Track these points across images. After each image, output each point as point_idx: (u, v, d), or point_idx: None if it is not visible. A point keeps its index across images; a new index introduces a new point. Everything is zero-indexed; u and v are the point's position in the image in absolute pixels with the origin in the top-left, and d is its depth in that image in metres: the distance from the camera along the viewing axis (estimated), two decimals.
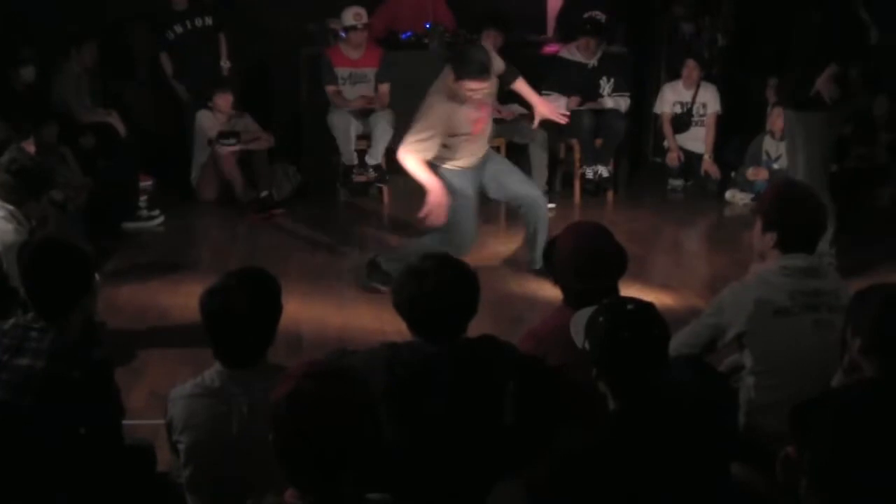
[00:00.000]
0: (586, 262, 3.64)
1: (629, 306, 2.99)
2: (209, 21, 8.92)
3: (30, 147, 6.10)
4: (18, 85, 7.84)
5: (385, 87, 8.70)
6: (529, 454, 3.07)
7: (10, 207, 4.87)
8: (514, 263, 7.00)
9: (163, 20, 8.89)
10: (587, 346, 2.99)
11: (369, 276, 6.41)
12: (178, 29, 8.86)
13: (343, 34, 8.64)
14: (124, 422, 3.61)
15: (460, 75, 6.01)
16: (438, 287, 3.27)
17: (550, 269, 3.81)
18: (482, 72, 6.03)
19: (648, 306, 2.99)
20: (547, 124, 7.39)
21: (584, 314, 3.13)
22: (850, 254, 6.54)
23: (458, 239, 6.08)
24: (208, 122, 8.57)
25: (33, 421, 3.24)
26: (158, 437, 3.48)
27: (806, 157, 6.45)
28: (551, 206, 8.53)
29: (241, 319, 3.07)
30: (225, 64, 8.99)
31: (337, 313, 6.05)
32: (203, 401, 3.08)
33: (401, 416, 3.17)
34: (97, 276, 4.09)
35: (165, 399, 3.21)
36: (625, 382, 2.91)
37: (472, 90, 6.03)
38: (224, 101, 8.59)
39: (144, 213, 7.94)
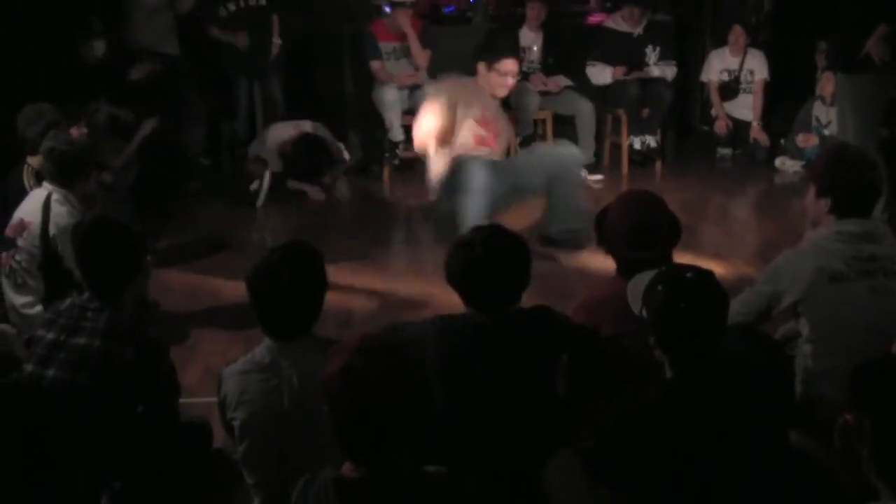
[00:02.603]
0: (639, 231, 3.61)
1: (688, 275, 2.96)
2: (263, 1, 8.90)
3: (81, 130, 6.14)
4: (91, 59, 7.86)
5: (425, 52, 8.64)
6: (584, 425, 3.06)
7: (63, 191, 4.92)
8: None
9: None
10: (644, 313, 2.97)
11: None
12: (231, 7, 8.84)
13: (388, 9, 8.62)
14: (180, 400, 3.64)
15: (494, 58, 6.09)
16: (489, 258, 3.26)
17: (602, 239, 3.78)
18: (511, 50, 6.11)
19: (708, 275, 2.97)
20: (593, 95, 7.37)
21: (642, 279, 3.10)
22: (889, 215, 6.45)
23: None
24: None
25: (91, 399, 3.28)
26: (213, 415, 3.50)
27: (857, 121, 6.35)
28: (599, 177, 8.51)
29: (285, 293, 3.09)
30: (276, 41, 8.94)
31: (385, 288, 6.05)
32: (254, 376, 3.11)
33: (455, 388, 3.17)
34: (148, 256, 4.12)
35: (218, 376, 3.23)
36: (682, 351, 2.89)
37: (507, 71, 6.08)
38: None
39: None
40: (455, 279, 3.35)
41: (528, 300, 3.41)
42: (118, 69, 7.92)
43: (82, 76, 7.48)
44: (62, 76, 7.20)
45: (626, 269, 3.55)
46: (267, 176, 7.99)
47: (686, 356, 2.87)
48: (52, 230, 4.83)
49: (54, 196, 4.89)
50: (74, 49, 7.75)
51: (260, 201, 7.92)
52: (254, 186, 7.97)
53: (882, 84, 6.37)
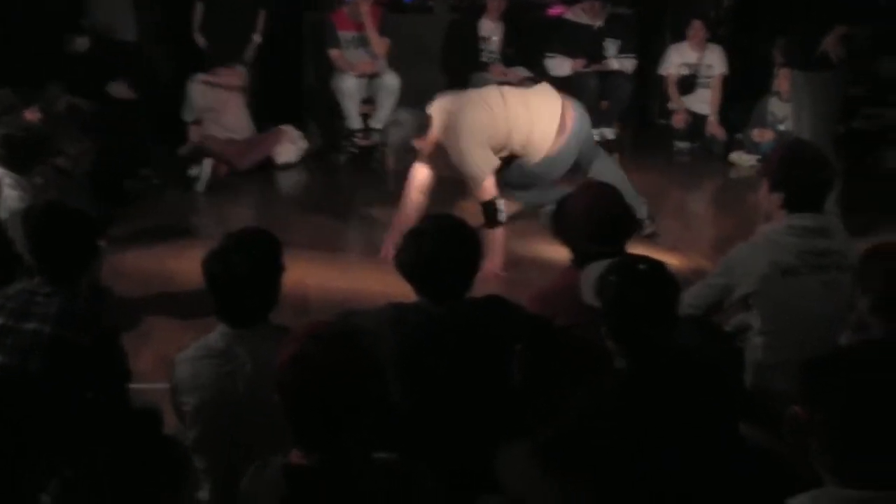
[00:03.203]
0: (598, 224, 3.63)
1: (641, 266, 2.98)
2: None
3: (34, 114, 6.09)
4: (71, 51, 7.83)
5: (384, 41, 8.60)
6: (538, 415, 3.07)
7: (15, 175, 4.87)
8: (519, 225, 6.98)
9: None
10: (597, 303, 2.98)
11: None
12: None
13: None
14: (131, 386, 3.61)
15: None
16: (438, 247, 3.27)
17: (560, 231, 3.79)
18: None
19: (660, 266, 2.99)
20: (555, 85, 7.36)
21: (594, 270, 3.12)
22: (857, 215, 6.50)
23: None
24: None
25: (39, 385, 3.24)
26: (165, 401, 3.48)
27: (812, 117, 6.41)
28: None
29: (241, 279, 3.08)
30: (256, 38, 8.85)
31: (342, 277, 6.04)
32: (207, 362, 3.09)
33: (407, 376, 3.17)
34: (103, 242, 4.09)
35: (171, 362, 3.21)
36: (634, 341, 2.91)
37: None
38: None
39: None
40: (406, 268, 3.35)
41: (482, 290, 3.41)
42: (100, 70, 7.91)
43: (59, 65, 7.45)
44: (28, 61, 7.17)
45: (582, 260, 3.57)
46: (206, 163, 7.97)
47: (638, 346, 2.89)
48: (2, 214, 4.77)
49: (6, 180, 4.85)
50: (52, 37, 7.72)
51: (200, 186, 7.89)
52: (193, 172, 7.94)
53: (838, 82, 6.42)
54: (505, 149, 5.91)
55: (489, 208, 5.83)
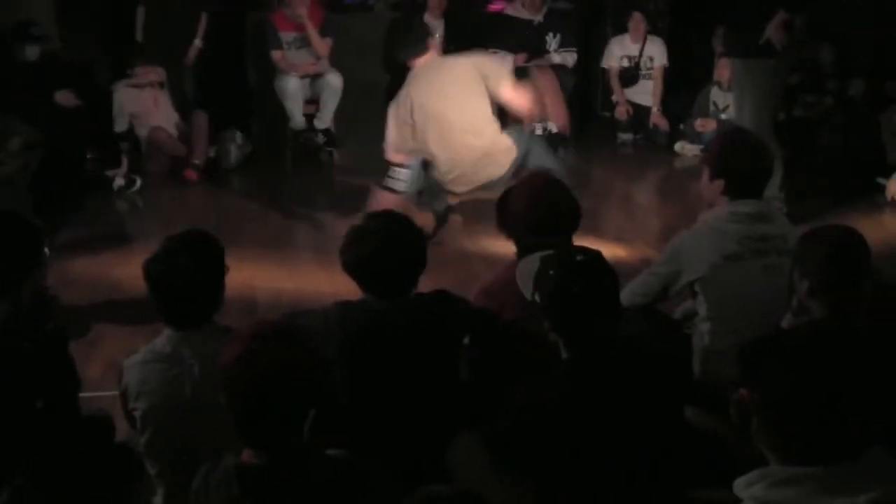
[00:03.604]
0: (540, 215, 3.64)
1: (578, 257, 2.99)
2: None
3: None
4: (20, 58, 7.78)
5: (326, 41, 8.60)
6: (486, 408, 3.09)
7: None
8: (464, 219, 7.01)
9: None
10: (537, 298, 3.00)
11: None
12: None
13: None
14: (81, 394, 3.59)
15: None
16: (382, 246, 3.28)
17: (503, 223, 3.81)
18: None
19: (597, 256, 3.01)
20: None
21: (529, 264, 3.14)
22: (797, 200, 6.60)
23: None
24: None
25: None
26: (115, 408, 3.47)
27: (754, 104, 6.49)
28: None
29: (183, 281, 3.08)
30: (197, 42, 8.80)
31: (290, 278, 6.03)
32: (155, 366, 3.09)
33: (355, 373, 3.18)
34: (46, 250, 4.05)
35: (119, 368, 3.20)
36: (577, 333, 2.93)
37: None
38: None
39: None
40: (350, 267, 3.35)
41: (430, 285, 3.43)
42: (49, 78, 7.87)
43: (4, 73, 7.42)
44: None
45: (527, 254, 3.59)
46: (124, 163, 8.01)
47: (581, 338, 2.91)
48: None
49: None
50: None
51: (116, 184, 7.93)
52: (118, 183, 7.96)
53: (779, 69, 6.51)
54: None
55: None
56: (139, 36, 8.69)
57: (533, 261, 3.14)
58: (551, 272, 2.95)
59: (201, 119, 8.41)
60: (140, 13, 8.67)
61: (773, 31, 6.23)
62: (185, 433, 3.02)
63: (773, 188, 6.11)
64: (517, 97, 6.05)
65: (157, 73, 8.50)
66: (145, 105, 8.42)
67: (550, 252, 3.11)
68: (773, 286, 3.55)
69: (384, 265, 3.28)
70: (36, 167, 6.97)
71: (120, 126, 8.40)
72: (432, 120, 6.01)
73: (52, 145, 7.36)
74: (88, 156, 8.02)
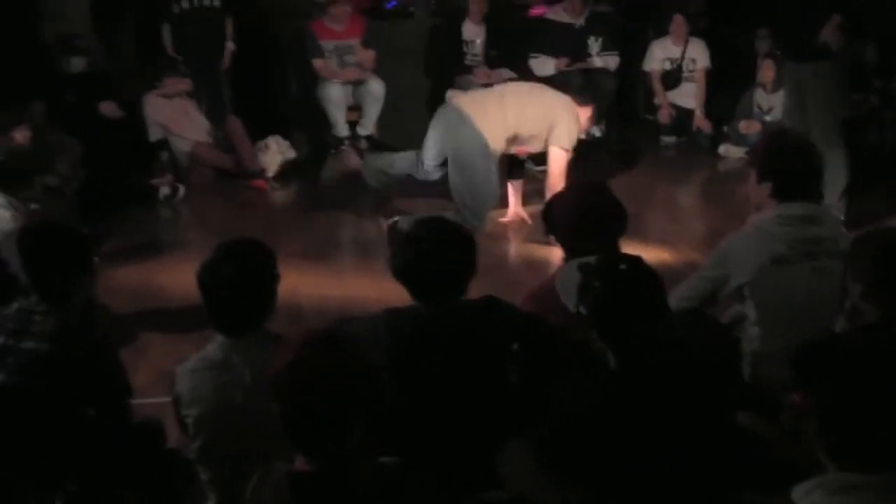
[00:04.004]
0: (586, 220, 3.64)
1: (621, 266, 2.97)
2: (217, 3, 8.80)
3: (24, 134, 6.10)
4: (67, 71, 7.87)
5: (370, 53, 8.64)
6: (535, 414, 3.08)
7: (6, 196, 4.88)
8: (511, 226, 7.01)
9: None
10: (582, 310, 2.97)
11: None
12: (185, 4, 8.76)
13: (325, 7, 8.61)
14: (132, 401, 3.62)
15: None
16: (433, 251, 3.28)
17: (550, 229, 3.80)
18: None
19: (638, 261, 2.98)
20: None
21: (568, 274, 3.12)
22: (847, 200, 6.55)
23: None
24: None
25: (40, 403, 3.25)
26: (165, 415, 3.49)
27: (823, 106, 6.45)
28: (543, 168, 8.54)
29: (234, 288, 3.09)
30: (230, 45, 8.89)
31: (337, 284, 6.05)
32: (207, 373, 3.10)
33: (404, 380, 3.18)
34: (95, 258, 4.09)
35: (170, 376, 3.22)
36: (626, 341, 2.91)
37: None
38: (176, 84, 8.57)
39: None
40: (400, 273, 3.36)
41: (477, 291, 3.43)
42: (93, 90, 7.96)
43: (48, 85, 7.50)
44: (14, 81, 7.19)
45: (574, 258, 3.57)
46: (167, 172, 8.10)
47: (630, 345, 2.89)
48: None
49: None
50: (39, 57, 7.77)
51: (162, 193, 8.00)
52: (164, 192, 8.04)
53: (840, 69, 6.49)
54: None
55: None
56: (169, 51, 8.77)
57: (571, 271, 3.13)
58: (596, 284, 2.92)
59: (236, 125, 8.44)
60: (166, 29, 8.74)
61: (829, 34, 6.20)
62: (236, 440, 3.03)
63: (834, 195, 6.12)
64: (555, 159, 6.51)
65: (184, 83, 8.55)
66: (176, 115, 8.46)
67: (587, 261, 3.09)
68: (823, 289, 3.52)
69: (433, 271, 3.28)
70: (83, 178, 7.03)
71: (154, 135, 8.46)
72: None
73: (98, 156, 7.43)
74: (131, 165, 8.09)
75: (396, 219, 6.26)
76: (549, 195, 6.20)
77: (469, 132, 6.38)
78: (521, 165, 6.96)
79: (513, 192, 7.02)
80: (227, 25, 8.85)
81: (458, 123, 6.41)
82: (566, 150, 6.55)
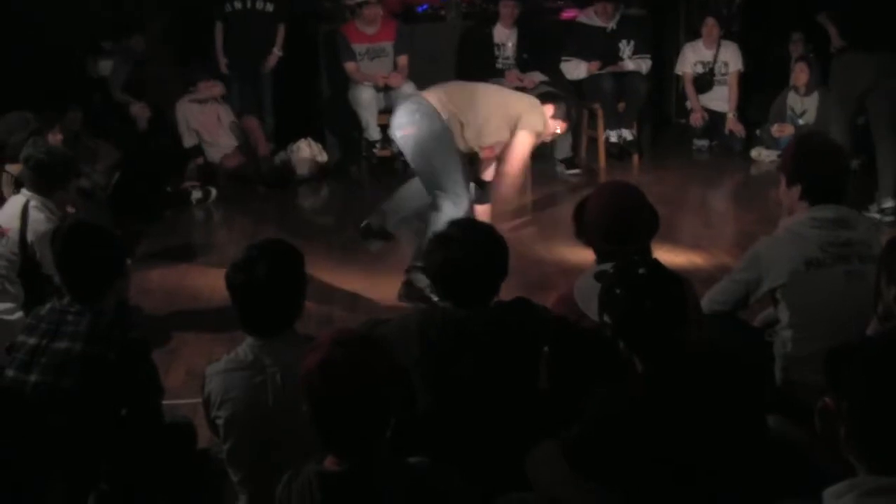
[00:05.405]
0: (618, 223, 3.61)
1: (640, 270, 2.95)
2: (269, 7, 8.92)
3: (56, 137, 6.15)
4: (93, 73, 7.94)
5: (404, 59, 8.69)
6: (566, 416, 3.07)
7: (41, 198, 4.92)
8: (541, 228, 7.01)
9: None
10: (606, 319, 2.96)
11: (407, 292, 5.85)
12: (238, 4, 8.86)
13: (356, 10, 8.64)
14: (164, 401, 3.65)
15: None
16: (466, 252, 3.28)
17: (581, 231, 3.79)
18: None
19: (657, 265, 2.96)
20: (568, 90, 7.38)
21: (586, 284, 3.10)
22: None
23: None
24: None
25: (74, 403, 3.28)
26: (197, 415, 3.51)
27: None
28: (576, 171, 8.54)
29: (263, 288, 3.09)
30: (277, 52, 8.99)
31: (368, 288, 6.05)
32: (238, 374, 3.11)
33: (435, 381, 3.18)
34: (128, 260, 4.13)
35: (201, 377, 3.24)
36: (653, 347, 2.89)
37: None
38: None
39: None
40: (433, 274, 3.37)
41: (507, 293, 3.43)
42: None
43: (80, 87, 7.57)
44: (48, 84, 7.26)
45: (605, 261, 3.56)
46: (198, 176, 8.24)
47: (657, 350, 2.87)
48: (29, 237, 4.82)
49: (32, 203, 4.89)
50: (72, 60, 7.83)
51: (194, 197, 8.06)
52: (196, 195, 8.11)
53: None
54: None
55: None
56: (219, 49, 8.82)
57: (588, 279, 3.11)
58: (618, 291, 2.91)
59: (253, 124, 8.65)
60: (218, 28, 8.81)
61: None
62: (267, 440, 3.05)
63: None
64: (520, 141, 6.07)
65: (218, 88, 8.61)
66: (209, 121, 8.54)
67: (605, 269, 3.07)
68: (856, 292, 3.49)
69: (466, 272, 3.28)
70: (117, 180, 7.10)
71: (188, 141, 8.54)
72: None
73: (131, 158, 7.50)
74: (164, 170, 8.16)
75: (367, 221, 6.20)
76: (503, 180, 6.18)
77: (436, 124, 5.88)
78: (486, 190, 6.51)
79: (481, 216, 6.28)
80: (277, 31, 8.97)
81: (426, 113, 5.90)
82: (535, 135, 6.07)
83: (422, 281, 5.44)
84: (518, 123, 5.92)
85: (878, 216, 6.65)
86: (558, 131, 6.35)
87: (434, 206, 5.59)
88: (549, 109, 6.06)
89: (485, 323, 3.26)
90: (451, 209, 5.48)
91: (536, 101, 6.10)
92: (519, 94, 6.35)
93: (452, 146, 5.68)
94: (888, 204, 6.79)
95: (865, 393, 2.03)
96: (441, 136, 5.66)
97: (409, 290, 5.65)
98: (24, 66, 7.48)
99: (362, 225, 6.21)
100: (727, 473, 2.78)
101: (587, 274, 3.24)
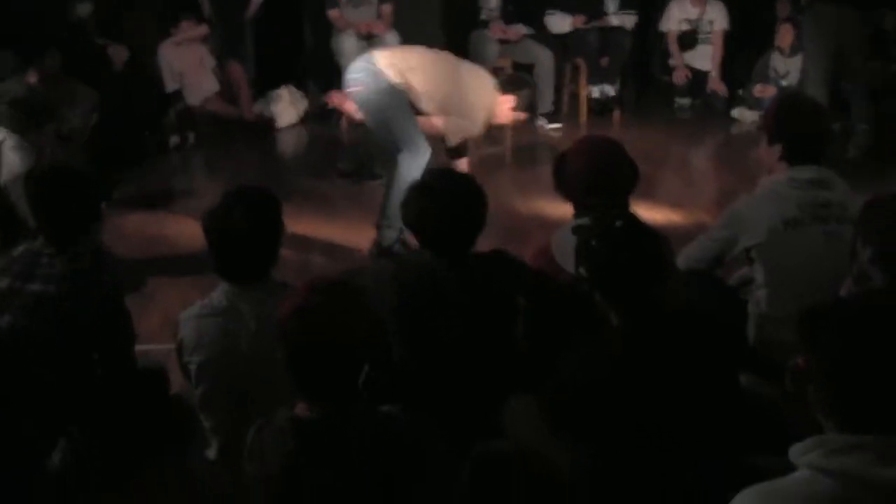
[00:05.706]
0: (597, 176, 3.61)
1: (617, 223, 2.94)
2: None
3: (32, 78, 6.09)
4: (72, 16, 7.84)
5: (388, 8, 8.59)
6: (541, 368, 3.08)
7: (17, 137, 4.87)
8: (520, 181, 7.00)
9: None
10: (582, 271, 2.96)
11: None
12: None
13: None
14: (136, 346, 3.64)
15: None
16: (445, 201, 3.27)
17: (560, 185, 3.78)
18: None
19: (632, 217, 2.97)
20: (552, 43, 7.33)
21: (564, 239, 3.10)
22: (862, 167, 6.53)
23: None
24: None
25: (46, 346, 3.27)
26: (171, 361, 3.51)
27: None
28: (557, 125, 8.51)
29: (240, 235, 3.08)
30: None
31: (346, 236, 6.03)
32: (212, 320, 3.11)
33: (410, 331, 3.19)
34: (103, 204, 4.09)
35: (176, 321, 3.23)
36: (628, 300, 2.89)
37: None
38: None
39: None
40: (411, 222, 3.36)
41: (484, 245, 3.43)
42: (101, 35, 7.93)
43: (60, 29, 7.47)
44: (29, 26, 7.16)
45: (584, 215, 3.55)
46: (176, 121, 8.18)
47: (633, 304, 2.88)
48: (3, 177, 4.77)
49: (8, 142, 4.84)
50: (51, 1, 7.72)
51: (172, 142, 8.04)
52: (174, 141, 8.06)
53: None
54: None
55: None
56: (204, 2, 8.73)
57: (565, 233, 3.11)
58: (594, 244, 2.90)
59: (238, 72, 8.54)
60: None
61: None
62: (239, 387, 3.05)
63: None
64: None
65: (201, 29, 8.52)
66: (191, 64, 8.44)
67: (582, 223, 3.07)
68: (833, 253, 3.50)
69: (444, 221, 3.28)
70: (94, 124, 7.02)
71: (171, 86, 8.43)
72: None
73: (108, 102, 7.42)
74: (143, 114, 8.08)
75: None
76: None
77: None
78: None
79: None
80: None
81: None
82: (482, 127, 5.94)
83: (388, 239, 5.42)
84: (461, 116, 5.76)
85: None
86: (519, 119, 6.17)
87: (393, 163, 5.53)
88: (509, 100, 5.86)
89: (461, 273, 3.26)
90: (410, 160, 5.41)
91: (492, 101, 5.84)
92: (480, 84, 5.88)
93: (403, 102, 5.56)
94: None
95: (838, 353, 2.04)
96: (388, 91, 5.54)
97: (378, 248, 5.61)
98: (2, 7, 7.36)
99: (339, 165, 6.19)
100: (701, 431, 2.79)
101: (565, 228, 3.23)
